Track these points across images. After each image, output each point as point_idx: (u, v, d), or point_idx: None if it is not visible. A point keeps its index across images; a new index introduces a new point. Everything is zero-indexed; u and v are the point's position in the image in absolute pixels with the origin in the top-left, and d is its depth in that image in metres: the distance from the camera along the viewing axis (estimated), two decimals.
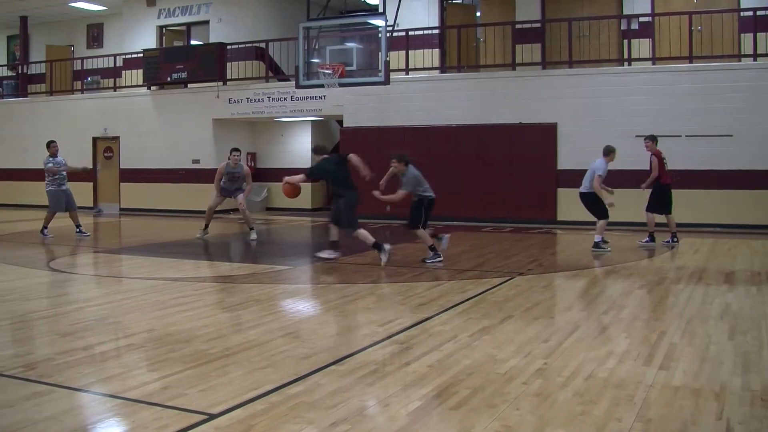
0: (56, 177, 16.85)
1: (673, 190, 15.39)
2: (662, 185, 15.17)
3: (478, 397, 5.41)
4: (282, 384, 5.73)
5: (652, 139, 15.37)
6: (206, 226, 16.59)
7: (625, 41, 19.77)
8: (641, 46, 19.43)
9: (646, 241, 15.25)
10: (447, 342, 7.05)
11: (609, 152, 14.63)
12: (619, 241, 15.93)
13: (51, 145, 17.20)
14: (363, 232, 12.77)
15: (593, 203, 14.56)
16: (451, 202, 20.22)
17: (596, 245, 14.33)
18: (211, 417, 5.02)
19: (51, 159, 16.98)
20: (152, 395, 5.50)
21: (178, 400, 5.38)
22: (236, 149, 16.61)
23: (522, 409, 5.16)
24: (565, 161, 19.27)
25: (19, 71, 30.42)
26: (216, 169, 16.84)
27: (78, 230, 17.01)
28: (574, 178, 18.53)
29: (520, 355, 6.59)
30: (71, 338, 7.37)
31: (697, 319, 8.14)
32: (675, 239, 15.32)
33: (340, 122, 22.92)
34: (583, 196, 14.75)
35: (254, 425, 4.86)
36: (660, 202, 15.24)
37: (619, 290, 10.21)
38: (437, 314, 8.40)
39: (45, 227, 16.92)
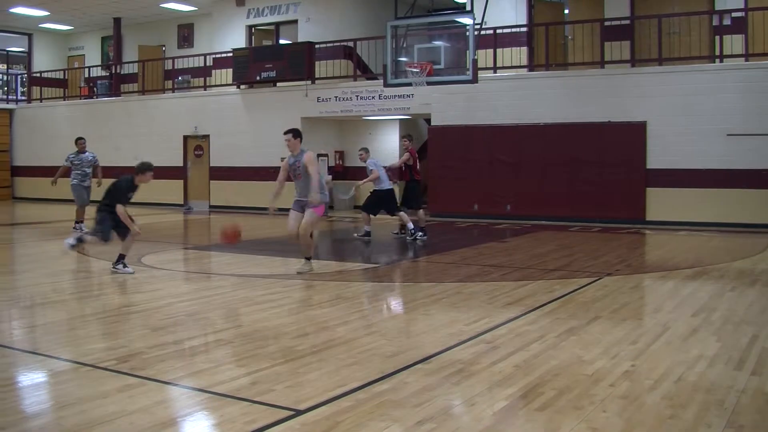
0: (78, 172, 17.14)
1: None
2: (415, 181, 16.14)
3: (564, 399, 5.38)
4: (368, 381, 5.78)
5: (410, 138, 16.46)
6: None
7: (717, 37, 19.34)
8: (734, 43, 18.94)
9: (421, 236, 15.93)
10: (533, 342, 7.02)
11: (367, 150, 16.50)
12: (708, 242, 15.66)
13: (78, 142, 17.50)
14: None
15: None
16: (538, 202, 20.12)
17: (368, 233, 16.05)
18: (298, 413, 5.09)
19: (74, 155, 17.33)
20: (240, 390, 5.60)
21: (265, 395, 5.47)
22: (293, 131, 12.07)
23: (609, 412, 5.11)
24: (654, 160, 18.96)
25: (113, 71, 31.14)
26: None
27: (75, 225, 17.32)
28: (663, 177, 18.30)
29: (608, 356, 6.53)
30: (162, 333, 7.54)
31: None
32: (423, 233, 16.02)
33: (428, 120, 22.94)
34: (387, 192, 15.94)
35: (340, 422, 4.91)
36: (413, 198, 16.13)
37: (710, 292, 10.00)
38: (524, 314, 8.37)
39: (77, 221, 17.31)
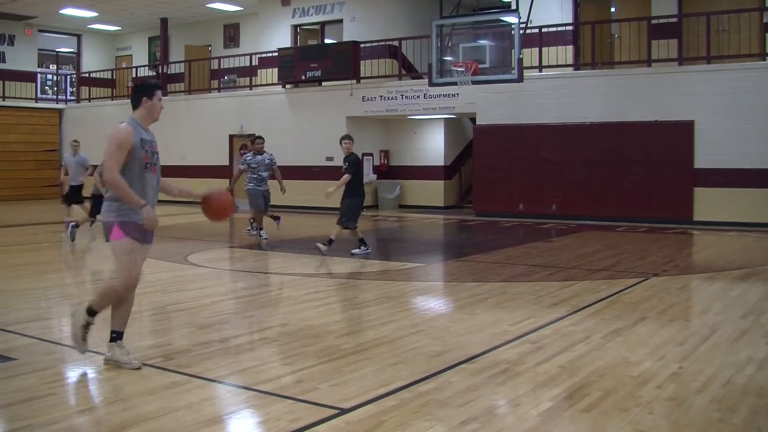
0: (254, 176, 15.77)
1: None
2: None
3: (610, 400, 5.34)
4: (413, 381, 5.78)
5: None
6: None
7: (767, 35, 19.10)
8: None
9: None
10: (579, 343, 6.98)
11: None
12: (757, 243, 15.46)
13: (256, 141, 16.17)
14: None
15: None
16: (584, 201, 20.00)
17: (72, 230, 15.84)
18: (343, 411, 5.10)
19: (250, 157, 16.06)
20: (285, 388, 5.63)
21: (310, 394, 5.49)
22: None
23: (655, 414, 5.07)
24: (702, 160, 18.76)
25: (160, 71, 31.44)
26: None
27: (250, 226, 16.54)
28: (711, 177, 18.12)
29: (654, 358, 6.47)
30: (208, 330, 7.60)
31: None
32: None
33: (473, 120, 22.88)
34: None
35: (385, 421, 4.92)
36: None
37: (759, 293, 9.87)
38: (569, 314, 8.33)
39: (260, 228, 15.98)
